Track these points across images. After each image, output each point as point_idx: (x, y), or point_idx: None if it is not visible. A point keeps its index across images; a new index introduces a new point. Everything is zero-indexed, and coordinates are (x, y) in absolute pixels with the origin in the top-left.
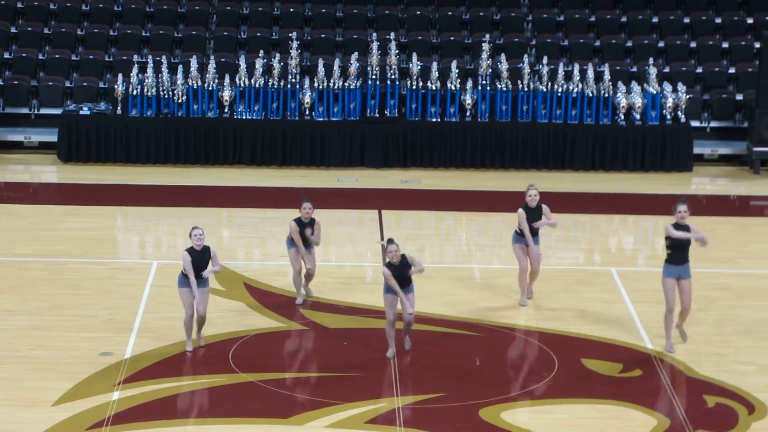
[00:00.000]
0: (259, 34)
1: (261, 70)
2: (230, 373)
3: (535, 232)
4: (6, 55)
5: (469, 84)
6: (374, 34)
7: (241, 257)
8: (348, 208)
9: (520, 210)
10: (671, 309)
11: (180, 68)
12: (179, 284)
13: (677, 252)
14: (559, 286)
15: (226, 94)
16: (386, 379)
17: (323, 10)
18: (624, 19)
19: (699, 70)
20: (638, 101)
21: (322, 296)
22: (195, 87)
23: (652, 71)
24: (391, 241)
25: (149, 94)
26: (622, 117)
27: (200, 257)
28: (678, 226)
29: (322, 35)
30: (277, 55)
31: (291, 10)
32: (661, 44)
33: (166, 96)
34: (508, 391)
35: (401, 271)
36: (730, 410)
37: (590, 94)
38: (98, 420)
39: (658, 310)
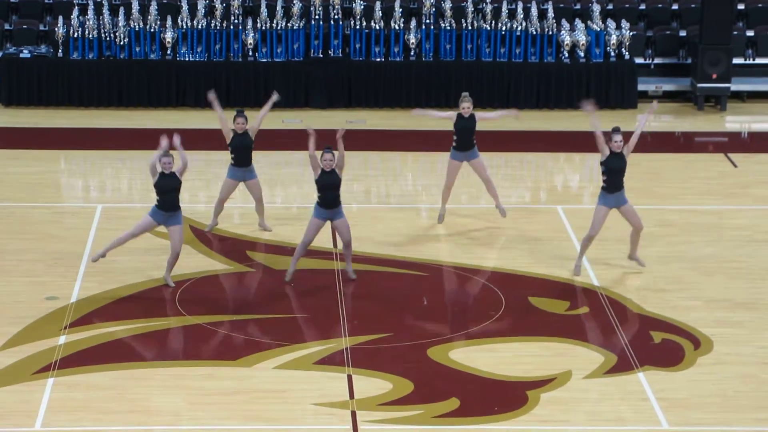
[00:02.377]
0: None
1: (203, 11)
2: (177, 315)
3: (471, 144)
4: None
5: (413, 23)
6: None
7: (186, 200)
8: (293, 149)
9: (452, 113)
10: (593, 235)
11: (121, 10)
12: (151, 217)
13: (612, 176)
14: (505, 224)
15: (169, 36)
16: (334, 319)
17: None
18: None
19: (642, 6)
20: (582, 39)
21: (268, 237)
22: (137, 29)
23: (596, 8)
24: (329, 149)
25: (90, 36)
26: (566, 55)
27: (169, 181)
28: (612, 154)
29: None
30: None
31: None
32: None
33: (108, 38)
34: (456, 330)
35: (331, 180)
36: (677, 346)
37: (534, 32)
38: (45, 364)
39: (604, 247)
